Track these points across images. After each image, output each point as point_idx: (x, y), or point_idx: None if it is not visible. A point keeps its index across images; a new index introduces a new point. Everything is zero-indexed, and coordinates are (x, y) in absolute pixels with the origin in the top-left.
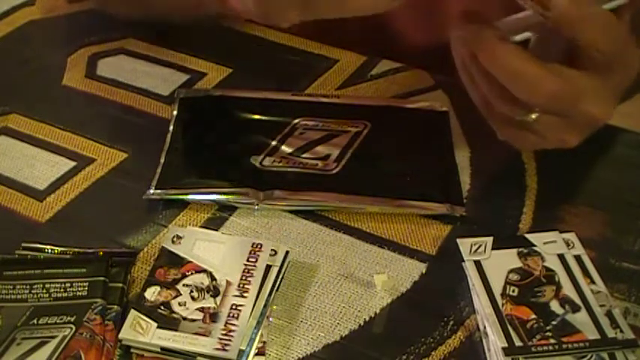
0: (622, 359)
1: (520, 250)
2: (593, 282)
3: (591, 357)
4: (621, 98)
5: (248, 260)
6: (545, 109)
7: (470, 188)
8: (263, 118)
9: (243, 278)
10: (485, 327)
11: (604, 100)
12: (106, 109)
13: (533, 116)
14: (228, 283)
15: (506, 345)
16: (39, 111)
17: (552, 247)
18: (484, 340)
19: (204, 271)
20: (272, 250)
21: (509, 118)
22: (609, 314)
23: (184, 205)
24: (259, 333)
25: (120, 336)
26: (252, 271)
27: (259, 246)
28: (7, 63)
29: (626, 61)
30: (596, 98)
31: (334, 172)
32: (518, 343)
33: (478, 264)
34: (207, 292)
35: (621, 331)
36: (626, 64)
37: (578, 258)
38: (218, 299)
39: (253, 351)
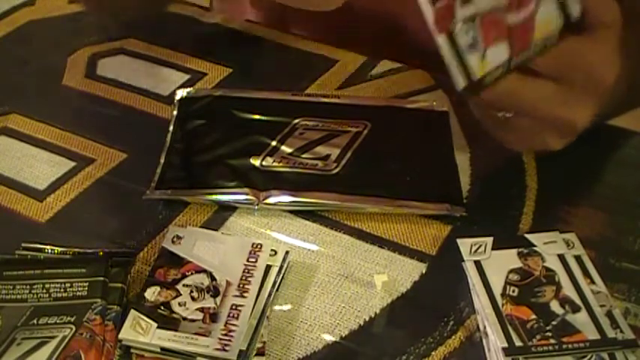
0: (622, 359)
1: (520, 250)
2: (593, 282)
3: (591, 357)
4: (614, 112)
5: (248, 260)
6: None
7: (470, 188)
8: (263, 118)
9: (243, 278)
10: (485, 327)
11: (572, 104)
12: (106, 109)
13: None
14: (228, 283)
15: (507, 345)
16: (39, 111)
17: (552, 247)
18: (484, 340)
19: (204, 271)
20: (272, 250)
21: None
22: (609, 314)
23: (184, 205)
24: (259, 333)
25: (120, 336)
26: (252, 271)
27: (259, 246)
28: (7, 63)
29: (581, 77)
30: (569, 103)
31: (334, 172)
32: (518, 343)
33: (478, 264)
34: (207, 292)
35: (621, 331)
36: (581, 78)
37: (578, 258)
38: (218, 299)
39: (253, 351)
